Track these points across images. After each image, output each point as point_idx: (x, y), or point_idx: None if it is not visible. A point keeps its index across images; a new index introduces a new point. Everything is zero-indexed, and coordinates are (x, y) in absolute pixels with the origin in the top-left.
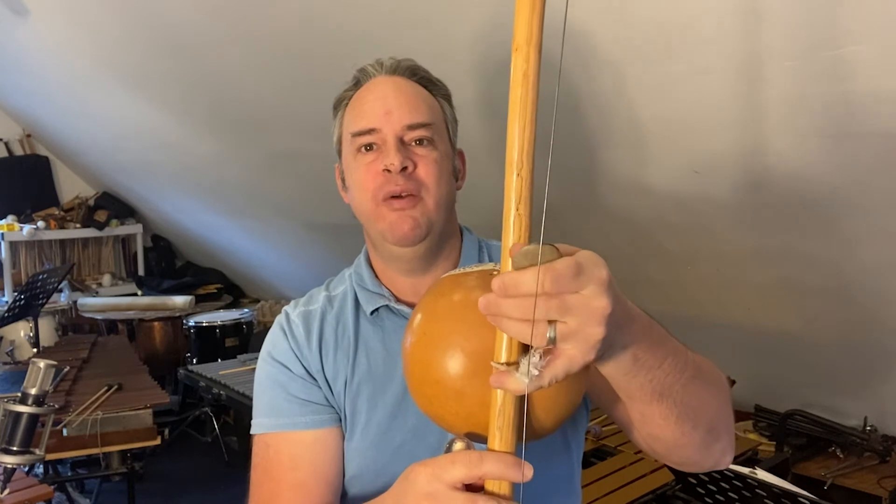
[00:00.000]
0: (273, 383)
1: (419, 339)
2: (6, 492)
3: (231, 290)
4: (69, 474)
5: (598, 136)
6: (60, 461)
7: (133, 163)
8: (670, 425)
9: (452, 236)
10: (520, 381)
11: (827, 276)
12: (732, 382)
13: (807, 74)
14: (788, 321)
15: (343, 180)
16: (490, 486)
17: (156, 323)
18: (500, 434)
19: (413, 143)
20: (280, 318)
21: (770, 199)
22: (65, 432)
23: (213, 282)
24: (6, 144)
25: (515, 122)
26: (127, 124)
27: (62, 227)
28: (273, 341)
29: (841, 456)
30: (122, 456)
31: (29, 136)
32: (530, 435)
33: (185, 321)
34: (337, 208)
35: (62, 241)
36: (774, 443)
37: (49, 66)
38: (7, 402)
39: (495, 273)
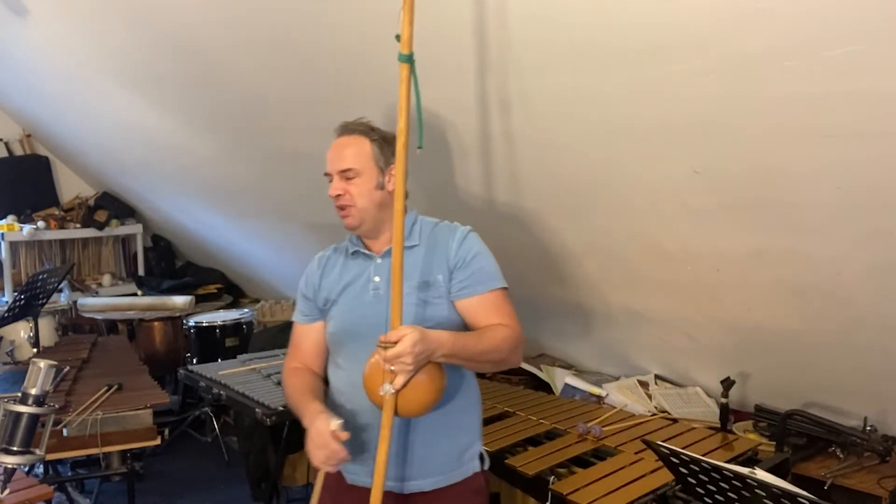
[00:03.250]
0: (297, 300)
1: (367, 371)
2: (6, 492)
3: (231, 290)
4: (69, 474)
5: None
6: (60, 461)
7: (133, 163)
8: (478, 369)
9: (389, 218)
10: (384, 390)
11: (827, 276)
12: (732, 382)
13: (807, 74)
14: (788, 321)
15: None
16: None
17: (156, 323)
18: (387, 409)
19: (345, 179)
20: (310, 262)
21: (770, 198)
22: (65, 432)
23: (213, 282)
24: (6, 144)
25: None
26: (127, 124)
27: (62, 227)
28: (302, 277)
29: (841, 456)
30: (122, 456)
31: (29, 136)
32: (404, 412)
33: (185, 321)
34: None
35: (62, 241)
36: (774, 443)
37: (49, 66)
38: (7, 402)
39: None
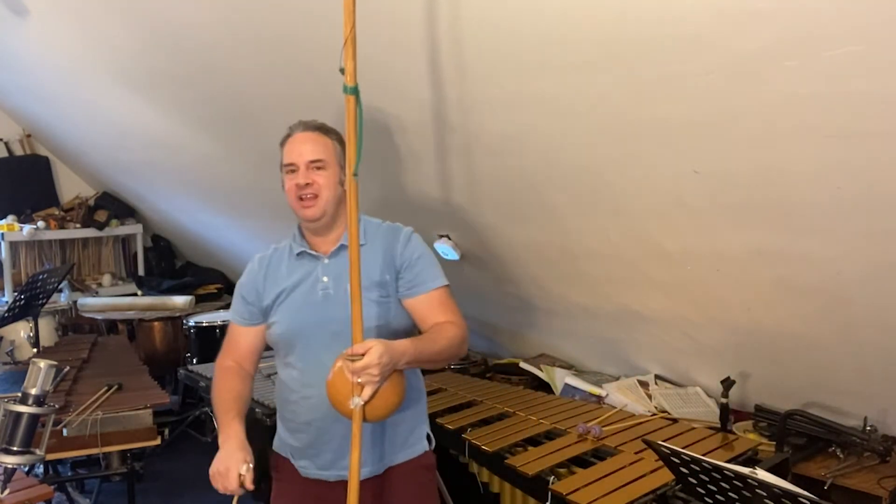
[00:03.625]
0: (235, 301)
1: (331, 380)
2: (6, 492)
3: (231, 290)
4: (69, 474)
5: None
6: (60, 461)
7: (133, 162)
8: (433, 367)
9: (342, 215)
10: (353, 403)
11: (827, 277)
12: (732, 382)
13: (807, 74)
14: (788, 321)
15: (283, 186)
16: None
17: (156, 323)
18: (356, 420)
19: (313, 169)
20: (249, 263)
21: (770, 198)
22: (65, 432)
23: (213, 282)
24: (6, 144)
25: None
26: (127, 124)
27: (62, 227)
28: (242, 278)
29: (841, 456)
30: (122, 456)
31: (29, 136)
32: (372, 418)
33: (185, 321)
34: None
35: (62, 241)
36: (774, 443)
37: (49, 66)
38: (7, 402)
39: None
